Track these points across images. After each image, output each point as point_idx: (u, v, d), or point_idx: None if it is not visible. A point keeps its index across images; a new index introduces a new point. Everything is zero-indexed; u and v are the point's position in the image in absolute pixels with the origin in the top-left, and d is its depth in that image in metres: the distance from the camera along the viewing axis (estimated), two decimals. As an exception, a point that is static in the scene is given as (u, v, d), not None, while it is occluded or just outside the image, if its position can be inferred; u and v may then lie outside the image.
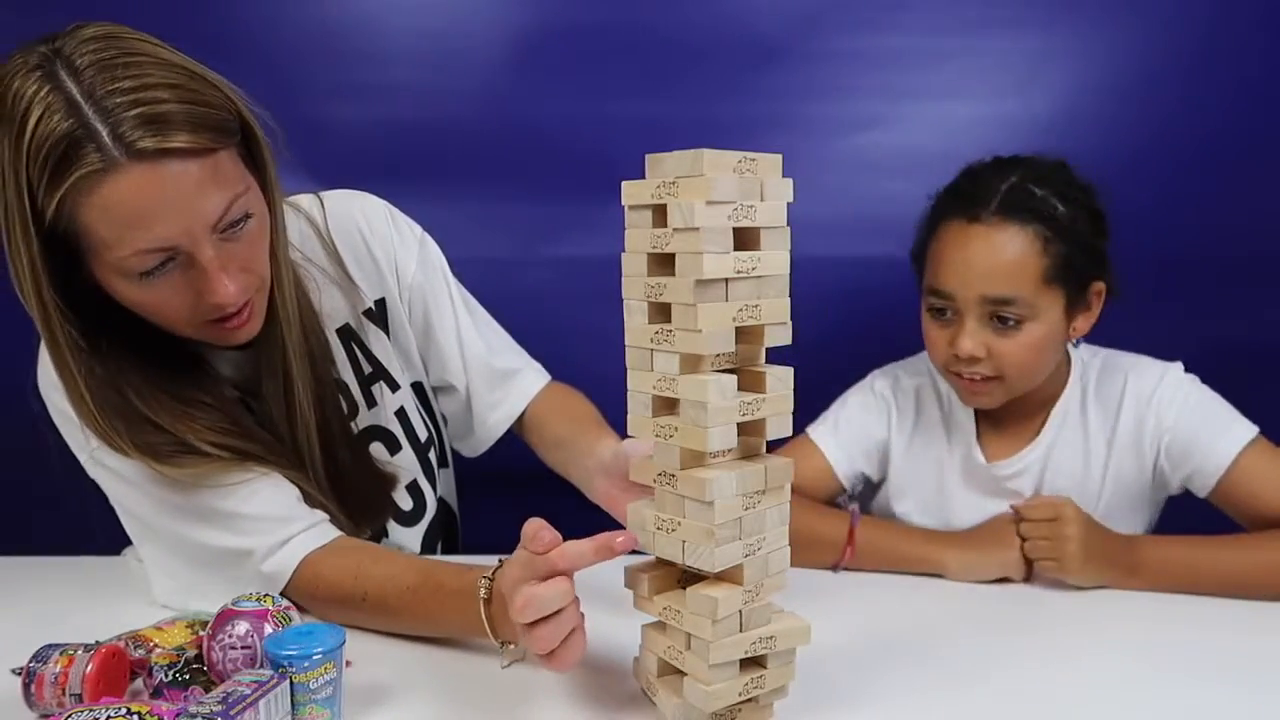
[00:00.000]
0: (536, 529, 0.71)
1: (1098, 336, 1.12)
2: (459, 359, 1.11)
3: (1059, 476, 1.13)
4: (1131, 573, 1.01)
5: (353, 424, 1.05)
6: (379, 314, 1.07)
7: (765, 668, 0.71)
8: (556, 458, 1.10)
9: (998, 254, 1.02)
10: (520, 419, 1.14)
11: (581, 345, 1.19)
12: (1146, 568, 1.01)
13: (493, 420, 1.13)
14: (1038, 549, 1.02)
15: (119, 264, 0.79)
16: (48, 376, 0.91)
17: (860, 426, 1.19)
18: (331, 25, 1.38)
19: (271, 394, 0.95)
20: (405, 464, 1.09)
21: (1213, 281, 1.42)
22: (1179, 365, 1.13)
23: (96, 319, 0.85)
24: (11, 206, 0.77)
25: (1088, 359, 1.16)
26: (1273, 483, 1.04)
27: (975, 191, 1.05)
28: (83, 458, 0.94)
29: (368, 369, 1.06)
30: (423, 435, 1.12)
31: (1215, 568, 0.99)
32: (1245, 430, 1.07)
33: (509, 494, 1.11)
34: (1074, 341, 1.13)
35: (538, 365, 1.18)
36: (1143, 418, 1.11)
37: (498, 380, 1.13)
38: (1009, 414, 1.14)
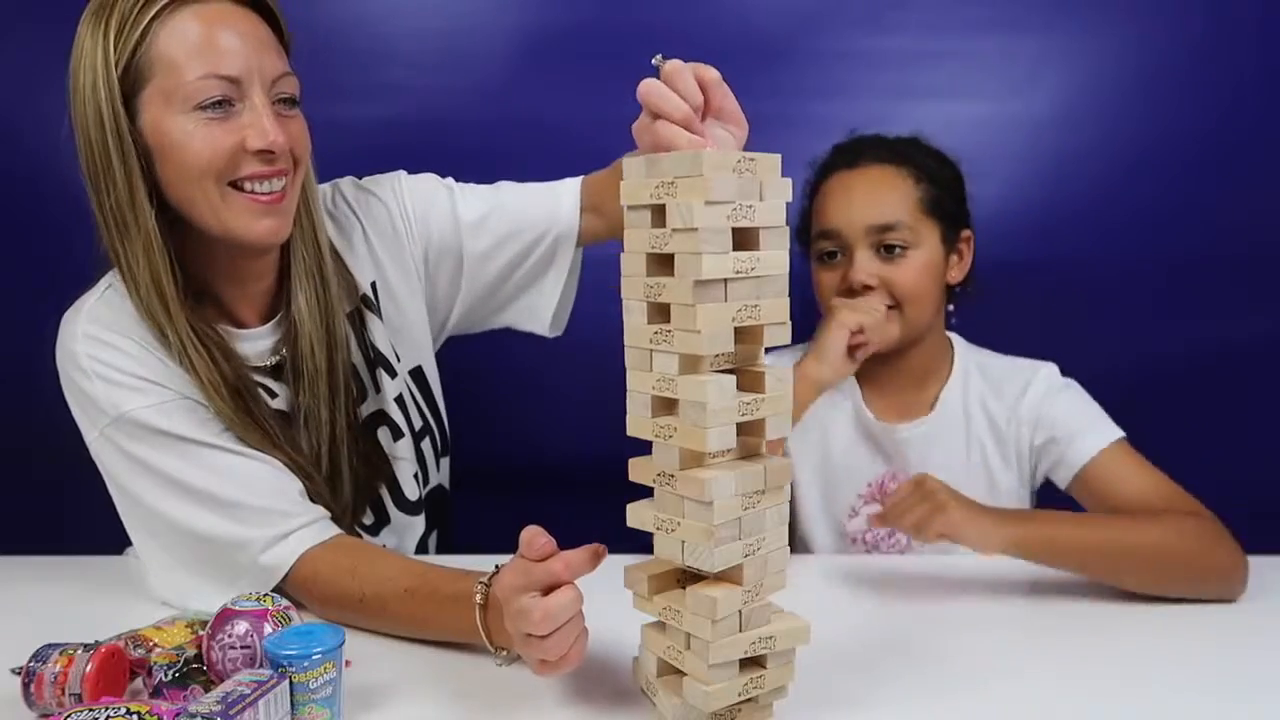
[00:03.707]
0: (533, 535, 0.71)
1: (1097, 333, 1.11)
2: (520, 213, 1.11)
3: (940, 454, 1.18)
4: (1022, 523, 0.99)
5: (359, 410, 1.05)
6: (373, 299, 1.07)
7: (765, 668, 0.71)
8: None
9: (878, 187, 1.15)
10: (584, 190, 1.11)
11: (581, 345, 1.19)
12: (1037, 522, 1.00)
13: (566, 208, 1.11)
14: (915, 515, 0.97)
15: (184, 92, 0.85)
16: (67, 349, 0.91)
17: None
18: (333, 25, 1.38)
19: (317, 353, 0.97)
20: (406, 452, 1.10)
21: (1213, 281, 1.42)
22: (1053, 365, 1.19)
23: None
24: (99, 76, 0.84)
25: (966, 353, 1.23)
26: (1131, 483, 1.08)
27: (853, 148, 1.20)
28: (91, 436, 0.93)
29: (370, 354, 1.07)
30: (418, 424, 1.12)
31: (1105, 541, 0.99)
32: (1112, 430, 1.12)
33: (507, 493, 1.11)
34: (951, 320, 1.24)
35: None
36: (1019, 417, 1.17)
37: (547, 193, 1.12)
38: (891, 381, 1.21)
